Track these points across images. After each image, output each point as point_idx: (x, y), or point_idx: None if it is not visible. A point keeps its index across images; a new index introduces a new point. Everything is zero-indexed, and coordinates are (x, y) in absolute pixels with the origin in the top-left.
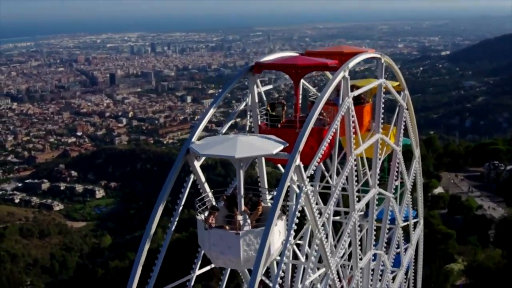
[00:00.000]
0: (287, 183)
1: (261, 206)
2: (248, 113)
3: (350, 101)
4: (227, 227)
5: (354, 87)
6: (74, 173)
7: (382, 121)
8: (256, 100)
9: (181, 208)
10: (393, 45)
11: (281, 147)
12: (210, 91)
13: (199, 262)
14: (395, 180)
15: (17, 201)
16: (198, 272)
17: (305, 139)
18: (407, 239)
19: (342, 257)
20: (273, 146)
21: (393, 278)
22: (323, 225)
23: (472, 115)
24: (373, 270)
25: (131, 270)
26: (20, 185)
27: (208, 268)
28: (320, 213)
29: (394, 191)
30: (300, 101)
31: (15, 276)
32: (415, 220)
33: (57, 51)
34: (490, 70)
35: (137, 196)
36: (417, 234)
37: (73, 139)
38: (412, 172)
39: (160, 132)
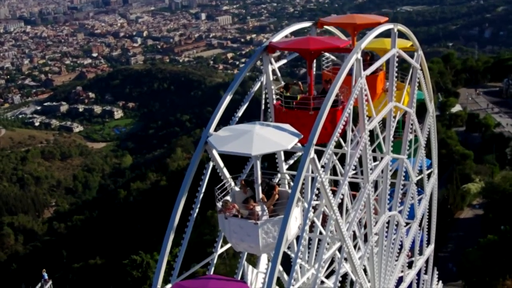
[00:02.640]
0: (303, 177)
1: (277, 191)
2: (264, 91)
3: (363, 82)
4: (245, 212)
5: (367, 55)
6: (91, 94)
7: (396, 79)
8: (271, 79)
9: (201, 195)
10: None
11: (296, 140)
12: (224, 8)
13: (220, 241)
14: (410, 134)
15: (37, 124)
16: (220, 251)
17: (318, 132)
18: (421, 186)
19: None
20: (288, 141)
21: (407, 231)
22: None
23: (492, 25)
24: (387, 227)
25: (158, 260)
26: (39, 108)
27: (229, 245)
28: (335, 194)
29: (408, 146)
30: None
31: (39, 197)
32: (429, 171)
33: None
34: None
35: (155, 116)
36: (431, 184)
37: (89, 61)
38: (426, 127)
39: (175, 51)
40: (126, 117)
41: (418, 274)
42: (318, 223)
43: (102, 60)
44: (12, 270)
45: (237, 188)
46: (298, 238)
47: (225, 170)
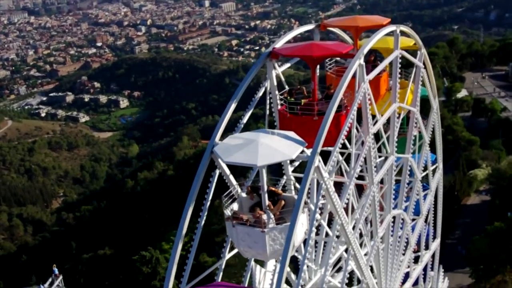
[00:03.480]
0: (307, 186)
1: (281, 195)
2: (268, 96)
3: (366, 87)
4: (251, 217)
5: (371, 55)
6: (97, 84)
7: (399, 78)
8: (275, 84)
9: (208, 203)
10: None
11: (300, 149)
12: None
13: (228, 247)
14: (414, 128)
15: (43, 115)
16: (227, 256)
17: (322, 140)
18: (426, 181)
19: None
20: (293, 150)
21: (413, 227)
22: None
23: (497, 7)
24: (393, 225)
25: (167, 267)
26: (44, 99)
27: (236, 251)
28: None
29: (413, 142)
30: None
31: (47, 188)
32: (434, 166)
33: None
34: None
35: (160, 104)
36: (436, 179)
37: (93, 50)
38: (430, 123)
39: (179, 39)
40: (131, 106)
41: (425, 269)
42: (325, 224)
43: (106, 49)
44: (22, 262)
45: (243, 195)
46: (305, 241)
47: (231, 177)
